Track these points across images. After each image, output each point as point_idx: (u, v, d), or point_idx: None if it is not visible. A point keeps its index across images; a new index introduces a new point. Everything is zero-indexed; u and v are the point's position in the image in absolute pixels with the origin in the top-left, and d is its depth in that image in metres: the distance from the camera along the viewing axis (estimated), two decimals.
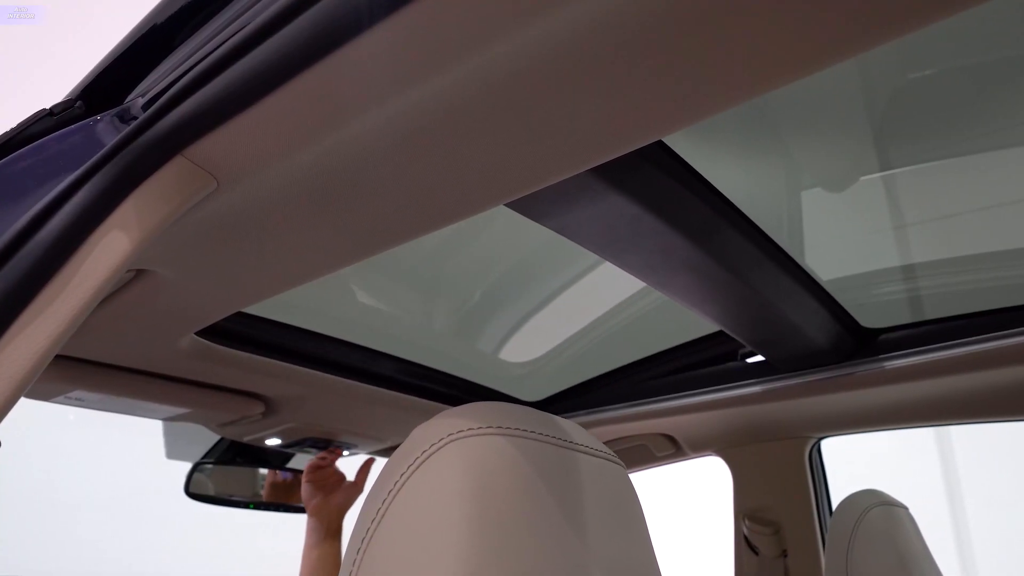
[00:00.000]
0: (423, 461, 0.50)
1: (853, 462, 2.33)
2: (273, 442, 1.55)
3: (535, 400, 1.70)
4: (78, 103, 0.66)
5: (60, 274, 0.54)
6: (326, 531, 1.56)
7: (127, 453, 2.45)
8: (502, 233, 1.26)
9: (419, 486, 0.49)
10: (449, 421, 0.52)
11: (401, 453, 0.52)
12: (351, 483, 1.63)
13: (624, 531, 0.60)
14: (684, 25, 0.48)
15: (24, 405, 0.54)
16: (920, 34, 0.48)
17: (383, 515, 0.49)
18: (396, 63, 0.51)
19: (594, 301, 1.45)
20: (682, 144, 0.88)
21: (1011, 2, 0.81)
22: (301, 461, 1.74)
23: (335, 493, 1.60)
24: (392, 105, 0.54)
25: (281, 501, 1.70)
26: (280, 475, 1.72)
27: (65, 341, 0.54)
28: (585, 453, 0.60)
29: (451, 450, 0.50)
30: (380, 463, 1.77)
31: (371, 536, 0.49)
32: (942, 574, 1.20)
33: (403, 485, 0.50)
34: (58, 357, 0.55)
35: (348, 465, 1.70)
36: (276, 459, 1.73)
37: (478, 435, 0.51)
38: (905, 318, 1.31)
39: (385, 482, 0.51)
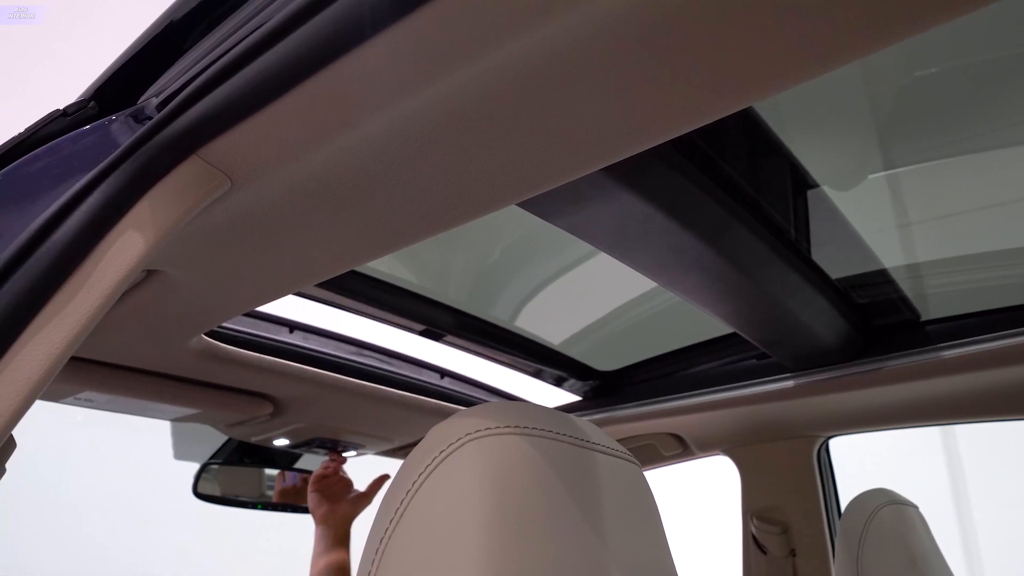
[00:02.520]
0: (441, 461, 0.50)
1: (859, 461, 2.32)
2: (281, 442, 1.55)
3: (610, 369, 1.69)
4: (92, 103, 0.66)
5: (76, 275, 0.54)
6: (334, 539, 1.55)
7: (134, 453, 2.46)
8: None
9: (438, 485, 0.49)
10: (467, 421, 0.52)
11: (419, 452, 0.52)
12: (360, 493, 1.62)
13: (641, 530, 0.60)
14: (692, 27, 0.48)
15: (31, 406, 0.54)
16: (927, 32, 0.48)
17: (402, 514, 0.49)
18: (408, 65, 0.51)
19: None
20: (692, 142, 0.87)
21: (1014, 2, 0.81)
22: (309, 461, 1.74)
23: (342, 501, 1.59)
24: (404, 106, 0.54)
25: (290, 502, 1.70)
26: (289, 478, 1.71)
27: (81, 342, 0.54)
28: (602, 452, 0.60)
29: (469, 449, 0.50)
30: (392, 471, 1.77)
31: (390, 535, 0.49)
32: (953, 574, 1.20)
33: (422, 484, 0.49)
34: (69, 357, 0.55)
35: (354, 467, 1.70)
36: (284, 459, 1.73)
37: (496, 434, 0.51)
38: (913, 317, 1.30)
39: (403, 481, 0.51)
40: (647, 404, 1.55)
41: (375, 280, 1.22)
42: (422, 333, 1.36)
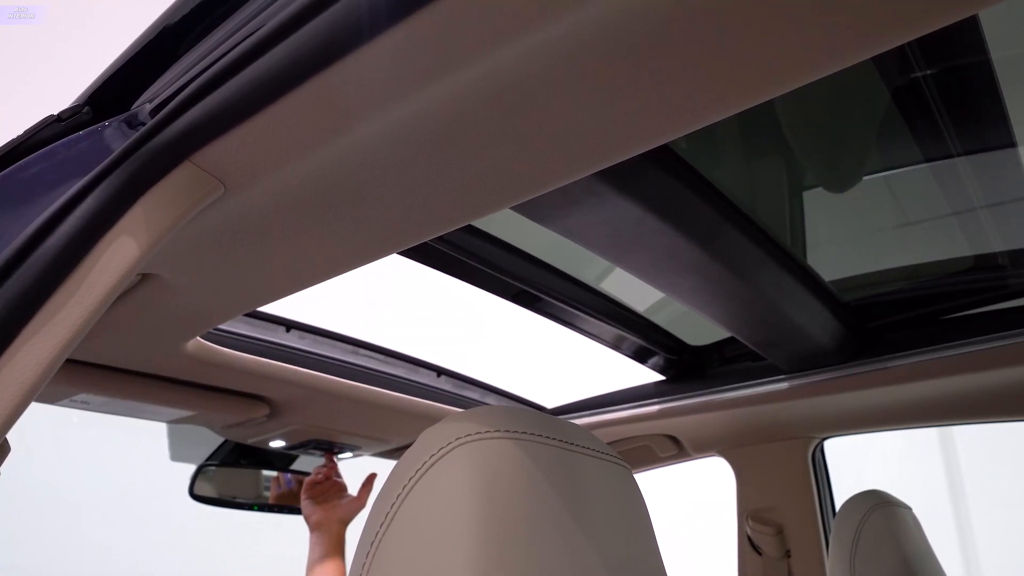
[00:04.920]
0: (432, 465, 0.50)
1: (855, 462, 2.32)
2: (277, 444, 1.55)
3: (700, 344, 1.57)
4: (86, 109, 0.66)
5: (70, 280, 0.54)
6: (328, 545, 1.52)
7: (131, 455, 2.46)
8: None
9: (428, 490, 0.49)
10: (457, 425, 0.53)
11: (409, 457, 0.52)
12: (353, 497, 1.61)
13: (630, 533, 0.61)
14: (688, 31, 0.48)
15: (26, 409, 0.55)
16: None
17: (392, 518, 0.49)
18: (403, 70, 0.51)
19: None
20: (685, 146, 0.88)
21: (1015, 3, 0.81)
22: (305, 463, 1.74)
23: (336, 507, 1.57)
24: (399, 111, 0.55)
25: (286, 504, 1.70)
26: (284, 482, 1.71)
27: (75, 346, 0.55)
28: (591, 456, 0.60)
29: (459, 454, 0.51)
30: (382, 475, 1.76)
31: (380, 539, 0.49)
32: (946, 574, 1.20)
33: (412, 489, 0.50)
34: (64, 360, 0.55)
35: (351, 468, 1.70)
36: (280, 461, 1.73)
37: (486, 439, 0.52)
38: (908, 319, 1.31)
39: (394, 485, 0.51)
40: (642, 405, 1.56)
41: (475, 229, 1.11)
42: (514, 297, 1.27)
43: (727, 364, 1.52)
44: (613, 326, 1.39)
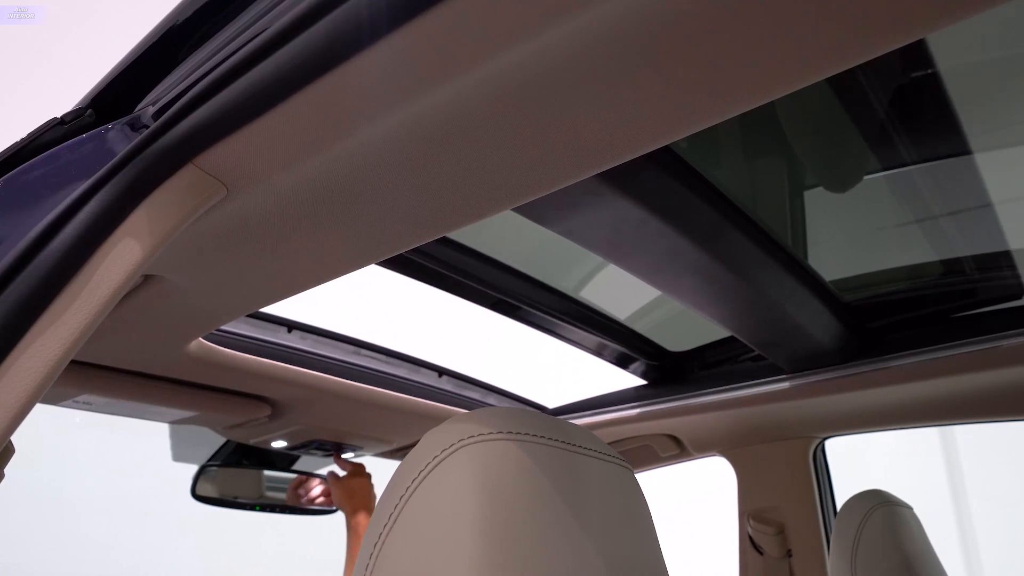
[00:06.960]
0: (435, 466, 0.51)
1: (857, 462, 2.33)
2: (279, 444, 1.55)
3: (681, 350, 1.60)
4: (88, 111, 0.66)
5: (74, 282, 0.54)
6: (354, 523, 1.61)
7: (133, 455, 2.46)
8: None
9: (431, 491, 0.50)
10: (459, 426, 0.53)
11: (412, 458, 0.52)
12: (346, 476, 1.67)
13: (632, 533, 0.61)
14: (690, 34, 0.49)
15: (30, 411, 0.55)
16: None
17: (396, 519, 0.50)
18: (406, 74, 0.51)
19: None
20: (685, 146, 0.88)
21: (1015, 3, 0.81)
22: (306, 463, 1.75)
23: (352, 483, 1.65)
24: (401, 113, 0.55)
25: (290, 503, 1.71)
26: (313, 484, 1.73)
27: (79, 348, 0.55)
28: (593, 457, 0.60)
29: (462, 455, 0.51)
30: (380, 463, 1.78)
31: (384, 540, 0.49)
32: (947, 574, 1.20)
33: (415, 490, 0.50)
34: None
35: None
36: (282, 461, 1.73)
37: (488, 440, 0.52)
38: (909, 318, 1.31)
39: (397, 486, 0.51)
40: (643, 405, 1.56)
41: (451, 241, 1.12)
42: (493, 306, 1.29)
43: (708, 369, 1.54)
44: (593, 334, 1.42)
